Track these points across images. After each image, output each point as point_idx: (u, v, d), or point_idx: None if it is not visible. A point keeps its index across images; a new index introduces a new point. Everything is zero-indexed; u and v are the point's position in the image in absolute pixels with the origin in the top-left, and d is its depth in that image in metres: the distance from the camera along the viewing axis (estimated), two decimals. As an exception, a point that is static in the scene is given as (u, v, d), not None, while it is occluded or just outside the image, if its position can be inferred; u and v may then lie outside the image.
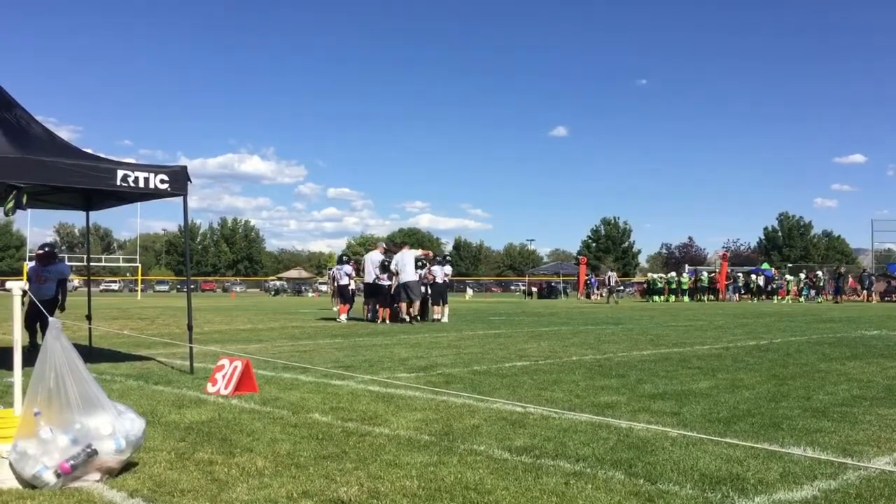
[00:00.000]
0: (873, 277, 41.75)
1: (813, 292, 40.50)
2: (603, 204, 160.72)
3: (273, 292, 70.16)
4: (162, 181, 7.56)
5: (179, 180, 7.73)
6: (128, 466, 3.99)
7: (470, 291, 64.46)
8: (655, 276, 45.12)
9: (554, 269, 70.32)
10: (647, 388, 6.88)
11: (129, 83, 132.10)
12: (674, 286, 41.63)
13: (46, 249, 10.82)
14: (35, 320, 10.10)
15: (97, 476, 3.82)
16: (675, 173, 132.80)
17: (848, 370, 8.31)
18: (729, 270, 45.03)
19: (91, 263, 13.50)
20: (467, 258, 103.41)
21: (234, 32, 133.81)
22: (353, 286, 19.94)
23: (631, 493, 3.57)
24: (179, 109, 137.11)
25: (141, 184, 7.40)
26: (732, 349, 10.82)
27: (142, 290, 62.40)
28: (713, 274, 45.05)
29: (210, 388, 6.57)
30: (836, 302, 37.29)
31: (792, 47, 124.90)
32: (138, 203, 16.29)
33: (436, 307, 18.51)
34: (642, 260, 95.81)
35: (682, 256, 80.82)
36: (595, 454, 4.32)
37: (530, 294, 54.36)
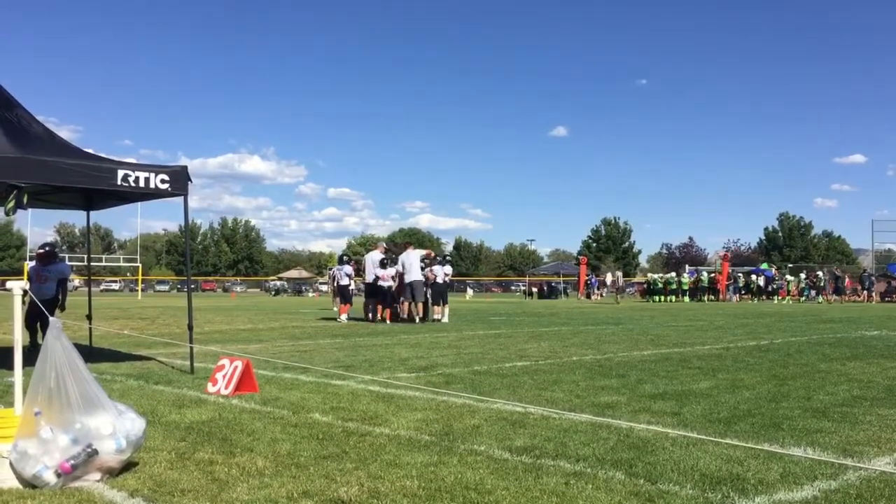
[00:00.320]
0: (873, 278, 41.78)
1: (813, 293, 40.51)
2: (603, 204, 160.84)
3: (273, 292, 70.15)
4: (162, 181, 7.57)
5: (180, 180, 7.73)
6: (128, 466, 3.99)
7: (470, 291, 64.45)
8: (656, 276, 45.10)
9: (554, 270, 70.29)
10: (648, 389, 6.88)
11: (130, 83, 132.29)
12: (674, 286, 41.61)
13: (47, 249, 10.82)
14: (35, 320, 10.11)
15: (98, 476, 3.82)
16: (676, 173, 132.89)
17: (848, 370, 8.30)
18: (729, 271, 45.04)
19: (91, 263, 13.51)
20: (467, 258, 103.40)
21: (234, 32, 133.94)
22: (353, 286, 19.94)
23: (631, 494, 3.58)
24: (180, 109, 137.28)
25: (141, 184, 7.41)
26: (733, 349, 10.82)
27: (142, 290, 62.41)
28: (713, 274, 45.05)
29: (210, 387, 6.57)
30: (830, 302, 37.35)
31: (792, 47, 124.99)
32: (139, 203, 16.32)
33: (436, 307, 18.50)
34: (643, 260, 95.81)
35: (682, 256, 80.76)
36: (595, 454, 4.32)
37: (530, 294, 54.35)
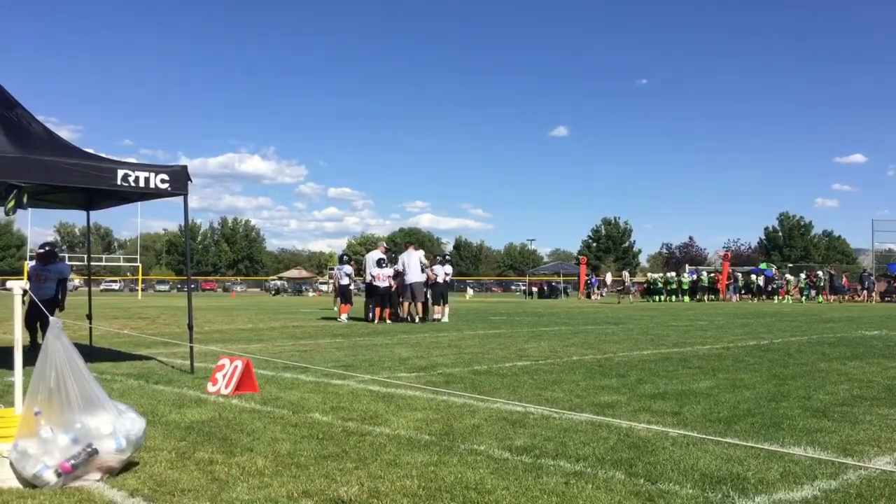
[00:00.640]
0: (872, 278, 41.79)
1: (813, 292, 40.52)
2: (603, 204, 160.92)
3: (273, 292, 70.14)
4: (162, 181, 7.56)
5: (180, 180, 7.73)
6: (128, 466, 3.99)
7: (470, 291, 64.43)
8: (656, 276, 45.08)
9: (554, 269, 70.26)
10: (648, 388, 6.88)
11: (130, 83, 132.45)
12: (674, 286, 41.60)
13: (47, 249, 10.82)
14: (35, 320, 10.11)
15: (98, 475, 3.82)
16: (676, 173, 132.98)
17: (848, 370, 8.30)
18: (730, 270, 45.02)
19: (91, 263, 13.50)
20: (468, 258, 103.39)
21: (235, 32, 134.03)
22: (353, 286, 19.92)
23: (631, 493, 3.57)
24: (180, 109, 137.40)
25: (141, 183, 7.40)
26: (733, 349, 10.82)
27: (142, 290, 62.42)
28: (713, 274, 45.03)
29: (210, 387, 6.57)
30: (830, 302, 37.40)
31: (792, 47, 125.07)
32: (139, 203, 16.30)
33: (436, 307, 18.50)
34: (643, 260, 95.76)
35: (682, 256, 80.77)
36: (595, 454, 4.32)
37: (531, 294, 54.36)
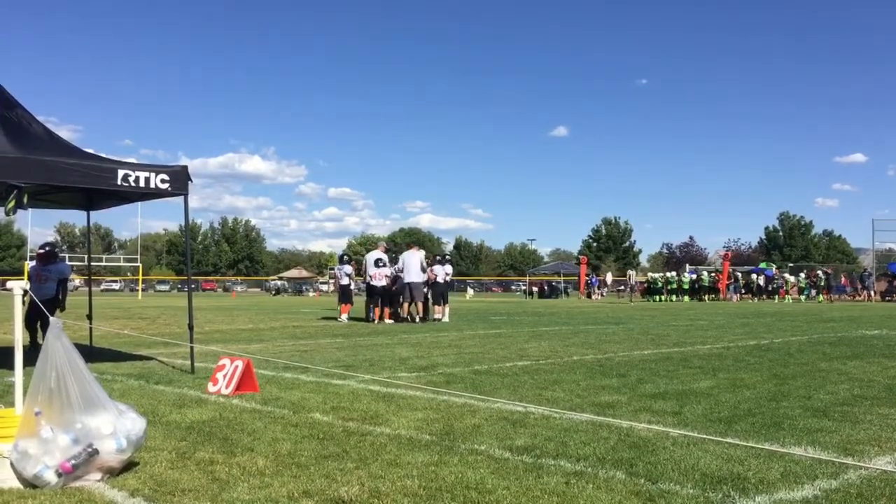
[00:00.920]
0: (872, 277, 41.78)
1: (814, 292, 40.54)
2: (603, 204, 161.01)
3: (274, 292, 70.13)
4: (163, 181, 7.56)
5: (180, 180, 7.73)
6: (129, 466, 3.99)
7: (471, 291, 64.43)
8: (656, 275, 45.08)
9: (555, 269, 70.21)
10: (648, 388, 6.87)
11: (130, 83, 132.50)
12: (674, 286, 41.59)
13: (47, 249, 10.82)
14: (36, 320, 10.11)
15: (98, 476, 3.82)
16: (676, 173, 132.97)
17: (849, 370, 8.30)
18: (730, 270, 45.01)
19: (92, 263, 13.50)
20: (468, 258, 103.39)
21: (235, 32, 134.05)
22: (353, 286, 19.92)
23: (632, 493, 3.57)
24: (180, 109, 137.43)
25: (142, 183, 7.40)
26: (733, 349, 10.82)
27: (143, 290, 62.43)
28: (714, 274, 45.02)
29: (211, 387, 6.57)
30: (831, 301, 37.42)
31: (792, 47, 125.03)
32: (139, 203, 16.30)
33: (437, 307, 18.50)
34: (643, 260, 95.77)
35: (682, 256, 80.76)
36: (596, 454, 4.32)
37: (531, 294, 54.33)
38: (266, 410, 5.69)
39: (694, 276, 43.84)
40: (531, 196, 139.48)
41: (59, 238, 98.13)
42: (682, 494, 3.55)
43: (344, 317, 18.25)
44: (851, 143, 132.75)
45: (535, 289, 54.69)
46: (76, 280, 50.19)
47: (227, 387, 6.43)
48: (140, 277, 63.32)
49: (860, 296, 40.73)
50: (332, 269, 26.04)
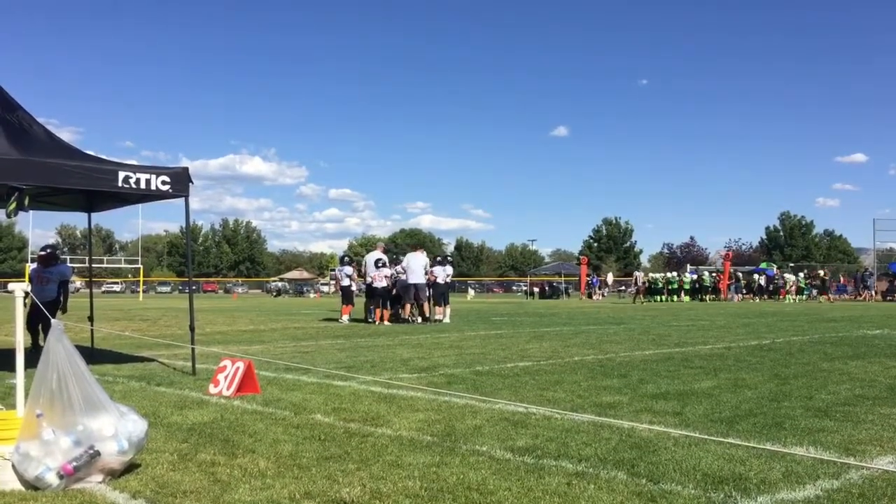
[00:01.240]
0: (874, 277, 41.78)
1: (815, 292, 40.55)
2: (604, 204, 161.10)
3: (275, 293, 70.16)
4: (163, 182, 7.57)
5: (181, 181, 7.74)
6: (130, 468, 4.00)
7: (472, 292, 64.43)
8: (657, 275, 45.06)
9: (555, 270, 70.14)
10: (650, 388, 6.87)
11: (131, 85, 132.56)
12: (675, 286, 41.58)
13: (48, 251, 10.83)
14: (37, 322, 10.12)
15: (100, 477, 3.82)
16: (676, 173, 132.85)
17: (850, 370, 8.30)
18: (731, 270, 45.00)
19: (93, 265, 13.50)
20: (469, 259, 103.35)
21: (235, 33, 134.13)
22: (355, 287, 19.92)
23: (633, 494, 3.57)
24: (181, 111, 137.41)
25: (142, 185, 7.41)
26: (734, 349, 10.81)
27: (144, 292, 62.47)
28: (715, 274, 45.01)
29: (212, 389, 6.57)
30: (831, 301, 37.42)
31: (792, 47, 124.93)
32: (140, 204, 16.29)
33: (437, 308, 18.51)
34: (644, 260, 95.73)
35: (683, 256, 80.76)
36: (597, 454, 4.32)
37: (532, 294, 54.31)
38: (267, 412, 5.69)
39: (695, 277, 43.84)
40: (532, 196, 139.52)
41: (60, 240, 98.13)
42: (684, 495, 3.55)
43: (345, 318, 18.24)
44: (852, 142, 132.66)
45: (535, 289, 54.65)
46: (77, 282, 50.26)
47: (228, 388, 6.44)
48: (141, 279, 63.39)
49: (861, 296, 40.72)
50: (333, 270, 25.97)
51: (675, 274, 43.84)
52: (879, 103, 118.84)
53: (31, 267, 18.62)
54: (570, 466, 4.06)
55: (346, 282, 18.97)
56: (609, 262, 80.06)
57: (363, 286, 19.09)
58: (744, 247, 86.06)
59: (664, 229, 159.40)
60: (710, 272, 45.95)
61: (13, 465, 3.74)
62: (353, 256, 24.83)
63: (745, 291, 42.64)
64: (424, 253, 19.29)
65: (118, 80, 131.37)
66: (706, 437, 4.68)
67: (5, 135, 6.87)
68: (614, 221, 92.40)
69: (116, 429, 3.87)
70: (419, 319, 17.83)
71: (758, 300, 40.11)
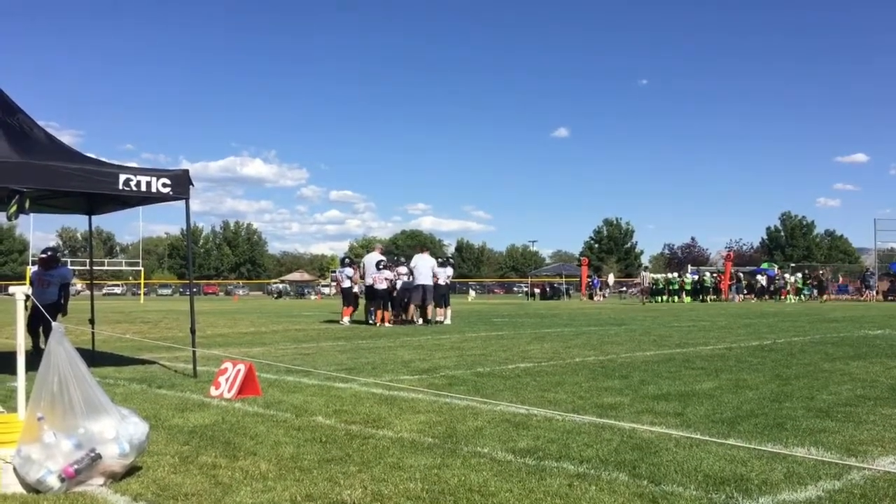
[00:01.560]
0: (875, 277, 41.75)
1: (815, 292, 40.54)
2: (605, 205, 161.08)
3: (275, 295, 70.17)
4: (164, 185, 7.57)
5: (181, 184, 7.74)
6: (131, 470, 4.00)
7: (473, 293, 64.39)
8: (658, 276, 45.03)
9: (556, 271, 70.05)
10: (651, 390, 6.87)
11: (131, 87, 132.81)
12: (676, 287, 41.56)
13: (49, 254, 10.84)
14: (38, 324, 10.12)
15: (101, 480, 3.83)
16: (677, 173, 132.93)
17: (851, 370, 8.29)
18: (732, 271, 44.97)
19: (94, 267, 13.50)
20: (469, 260, 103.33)
21: (236, 35, 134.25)
22: (356, 289, 19.90)
23: (635, 495, 3.57)
24: (181, 113, 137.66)
25: (143, 188, 7.41)
26: (736, 349, 10.80)
27: (145, 294, 62.51)
28: (716, 274, 44.99)
29: (213, 391, 6.57)
30: (829, 301, 37.47)
31: (792, 47, 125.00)
32: (140, 207, 16.30)
33: (438, 309, 18.51)
34: (645, 260, 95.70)
35: (684, 257, 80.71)
36: (599, 456, 4.32)
37: (533, 295, 54.29)
38: (268, 414, 5.69)
39: (696, 277, 43.83)
40: (532, 197, 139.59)
41: (60, 243, 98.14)
42: (686, 496, 3.55)
43: (346, 319, 18.23)
44: (852, 142, 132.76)
45: (536, 290, 54.61)
46: (79, 284, 50.28)
47: (229, 390, 6.44)
48: (142, 281, 63.43)
49: (863, 296, 40.69)
50: (334, 272, 25.96)
51: (676, 275, 43.82)
52: (879, 103, 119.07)
53: (32, 270, 18.62)
54: (572, 468, 4.06)
55: (346, 283, 18.96)
56: (610, 262, 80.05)
57: (363, 288, 19.08)
58: (745, 247, 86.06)
59: (665, 230, 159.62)
60: (712, 273, 45.93)
61: (14, 469, 3.74)
62: (354, 258, 24.83)
63: (746, 292, 42.61)
64: (429, 254, 19.30)
65: (118, 81, 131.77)
66: (707, 438, 4.68)
67: (6, 138, 6.88)
68: (615, 222, 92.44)
69: (118, 431, 3.87)
70: (420, 321, 17.84)
71: (758, 300, 40.09)
